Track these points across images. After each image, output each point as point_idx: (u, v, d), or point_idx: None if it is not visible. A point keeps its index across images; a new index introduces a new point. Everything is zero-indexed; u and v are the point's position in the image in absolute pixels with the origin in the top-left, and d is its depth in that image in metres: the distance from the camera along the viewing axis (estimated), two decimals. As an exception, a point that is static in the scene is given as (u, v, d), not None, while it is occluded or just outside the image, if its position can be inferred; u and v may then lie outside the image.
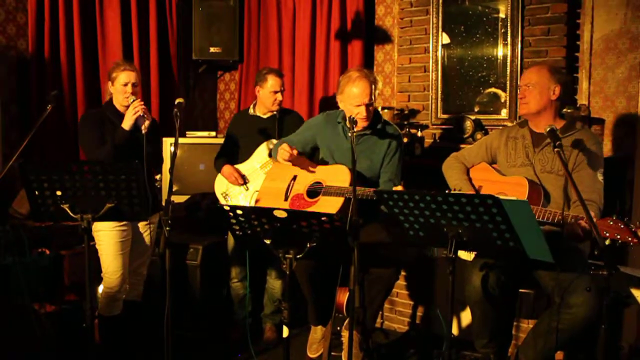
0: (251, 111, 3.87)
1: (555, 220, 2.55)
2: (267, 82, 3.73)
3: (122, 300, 3.24)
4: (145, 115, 3.08)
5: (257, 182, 3.63)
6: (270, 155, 3.64)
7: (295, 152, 3.17)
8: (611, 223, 2.34)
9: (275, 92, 3.73)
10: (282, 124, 3.75)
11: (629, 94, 3.47)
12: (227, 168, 3.72)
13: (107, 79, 3.24)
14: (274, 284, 3.77)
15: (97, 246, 3.15)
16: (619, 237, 2.32)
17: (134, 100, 3.12)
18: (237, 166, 3.73)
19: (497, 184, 2.89)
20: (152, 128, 3.15)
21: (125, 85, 3.15)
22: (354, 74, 3.08)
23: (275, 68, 3.97)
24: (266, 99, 3.76)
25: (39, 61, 4.12)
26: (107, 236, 3.11)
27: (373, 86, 3.06)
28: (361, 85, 3.03)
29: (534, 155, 2.85)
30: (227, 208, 2.42)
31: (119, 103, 3.20)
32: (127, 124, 3.09)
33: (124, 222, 3.12)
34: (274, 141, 3.66)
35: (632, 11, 3.43)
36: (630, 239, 2.30)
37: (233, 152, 3.83)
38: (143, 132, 3.03)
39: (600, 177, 2.71)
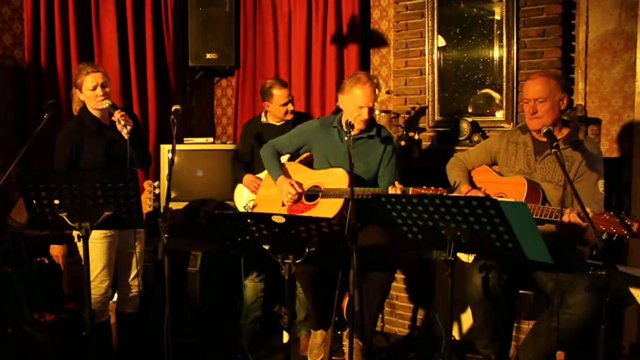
0: (263, 119, 3.85)
1: (553, 217, 2.55)
2: (273, 97, 3.71)
3: (108, 304, 3.22)
4: (127, 122, 3.01)
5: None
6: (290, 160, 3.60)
7: (299, 190, 3.20)
8: (607, 217, 2.33)
9: (285, 104, 3.71)
10: None
11: (625, 94, 3.48)
12: (247, 177, 3.70)
13: (74, 87, 3.09)
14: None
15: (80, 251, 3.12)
16: (614, 230, 2.31)
17: (109, 106, 3.02)
18: (257, 176, 3.70)
19: (496, 185, 2.90)
20: (133, 127, 3.10)
21: (94, 89, 3.03)
22: (362, 77, 3.12)
23: (278, 79, 3.87)
24: (278, 112, 3.75)
25: (36, 70, 4.12)
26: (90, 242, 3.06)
27: (376, 91, 3.11)
28: (367, 89, 3.08)
29: (535, 163, 2.83)
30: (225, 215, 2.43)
31: (92, 108, 3.09)
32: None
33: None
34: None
35: (626, 11, 3.44)
36: (625, 232, 2.30)
37: (248, 162, 3.81)
38: (126, 137, 2.98)
39: (601, 188, 2.69)
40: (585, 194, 2.62)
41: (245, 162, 3.83)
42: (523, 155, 2.88)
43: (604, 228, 2.33)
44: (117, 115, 2.99)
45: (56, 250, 3.01)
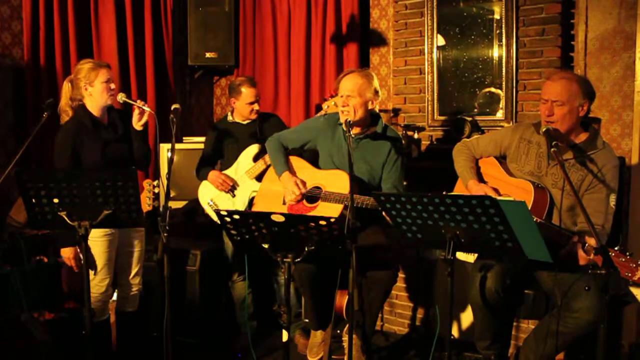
0: (230, 118, 3.84)
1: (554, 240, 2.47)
2: (241, 95, 3.71)
3: (108, 303, 3.23)
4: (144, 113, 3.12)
5: (245, 188, 3.62)
6: (254, 160, 3.63)
7: (303, 190, 3.19)
8: (612, 255, 2.20)
9: (251, 103, 3.71)
10: (262, 128, 3.74)
11: (624, 93, 3.48)
12: (213, 173, 3.70)
13: (82, 83, 3.04)
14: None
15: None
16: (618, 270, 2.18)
17: (126, 99, 3.08)
18: (224, 172, 3.71)
19: (502, 184, 2.82)
20: (129, 122, 3.17)
21: (107, 82, 3.05)
22: (346, 71, 3.15)
23: (248, 77, 3.85)
24: (243, 110, 3.74)
25: (35, 69, 4.11)
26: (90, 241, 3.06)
27: (361, 81, 3.06)
28: (344, 79, 3.09)
29: (547, 167, 2.72)
30: (225, 213, 2.42)
31: (98, 105, 3.08)
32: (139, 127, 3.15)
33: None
34: (256, 147, 3.66)
35: (626, 10, 3.44)
36: (629, 275, 2.19)
37: (214, 161, 3.82)
38: (140, 129, 3.11)
39: (612, 203, 2.60)
40: (594, 207, 2.58)
41: (210, 162, 3.82)
42: (535, 156, 2.76)
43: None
44: (140, 103, 3.06)
45: (68, 253, 3.01)
